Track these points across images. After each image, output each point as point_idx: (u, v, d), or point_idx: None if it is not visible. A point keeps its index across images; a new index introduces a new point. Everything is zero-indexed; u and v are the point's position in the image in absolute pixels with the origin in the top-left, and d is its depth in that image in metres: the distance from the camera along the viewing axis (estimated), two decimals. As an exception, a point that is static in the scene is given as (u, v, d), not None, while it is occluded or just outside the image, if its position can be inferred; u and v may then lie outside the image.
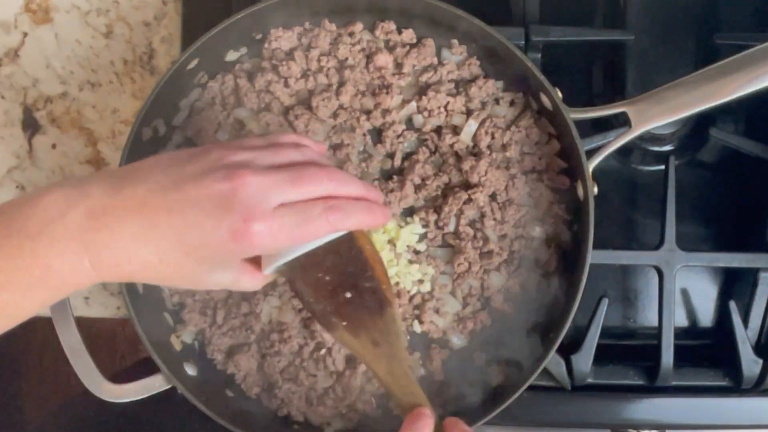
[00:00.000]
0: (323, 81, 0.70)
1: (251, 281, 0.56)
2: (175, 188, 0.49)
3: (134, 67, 0.80)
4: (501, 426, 0.67)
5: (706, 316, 0.74)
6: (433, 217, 0.68)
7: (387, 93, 0.69)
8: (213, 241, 0.48)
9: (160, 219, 0.48)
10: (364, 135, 0.70)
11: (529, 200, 0.68)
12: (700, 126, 0.73)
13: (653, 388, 0.68)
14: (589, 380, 0.68)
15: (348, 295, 0.56)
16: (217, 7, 0.75)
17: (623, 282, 0.75)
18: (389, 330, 0.56)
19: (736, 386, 0.68)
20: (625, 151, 0.74)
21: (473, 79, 0.69)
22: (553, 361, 0.67)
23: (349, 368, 0.67)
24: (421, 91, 0.70)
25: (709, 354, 0.72)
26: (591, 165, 0.63)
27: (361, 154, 0.70)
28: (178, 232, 0.48)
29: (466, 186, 0.68)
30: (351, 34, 0.70)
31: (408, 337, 0.68)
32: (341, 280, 0.56)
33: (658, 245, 0.67)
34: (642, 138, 0.69)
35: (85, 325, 0.65)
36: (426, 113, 0.69)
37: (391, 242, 0.68)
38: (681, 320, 0.74)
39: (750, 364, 0.67)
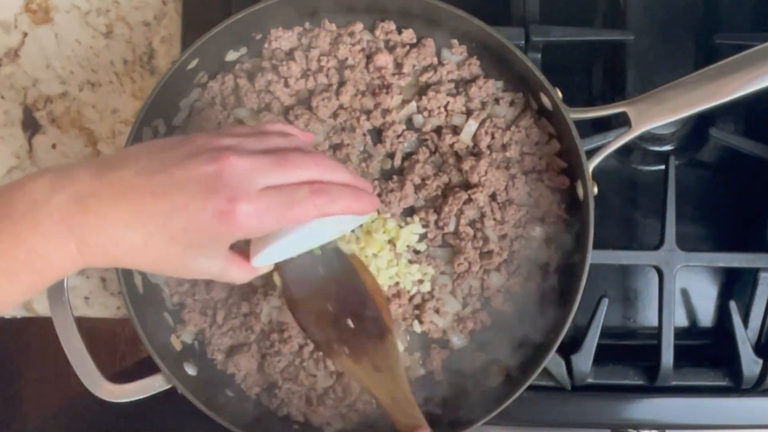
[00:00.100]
0: (323, 81, 0.70)
1: (239, 272, 0.55)
2: (161, 171, 0.49)
3: (134, 67, 0.80)
4: (501, 426, 0.67)
5: (706, 316, 0.74)
6: (433, 217, 0.68)
7: (387, 93, 0.69)
8: (198, 223, 0.48)
9: (146, 201, 0.48)
10: (364, 135, 0.70)
11: (529, 200, 0.68)
12: (700, 126, 0.73)
13: (653, 388, 0.69)
14: (589, 380, 0.68)
15: (350, 323, 0.56)
16: (217, 7, 0.75)
17: (623, 282, 0.75)
18: (390, 355, 0.56)
19: (736, 386, 0.68)
20: (625, 151, 0.74)
21: (473, 79, 0.69)
22: (553, 361, 0.67)
23: (349, 368, 0.67)
24: (421, 91, 0.70)
25: (709, 354, 0.72)
26: (591, 165, 0.63)
27: (361, 154, 0.70)
28: (163, 214, 0.48)
29: (466, 186, 0.68)
30: (351, 34, 0.70)
31: (408, 337, 0.68)
32: (343, 308, 0.57)
33: (658, 245, 0.67)
34: (642, 138, 0.69)
35: (85, 325, 0.65)
36: (426, 113, 0.69)
37: (391, 242, 0.68)
38: (681, 320, 0.74)
39: (750, 364, 0.67)
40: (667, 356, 0.66)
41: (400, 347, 0.68)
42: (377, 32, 0.70)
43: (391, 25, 0.70)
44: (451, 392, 0.67)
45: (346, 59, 0.70)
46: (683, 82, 0.63)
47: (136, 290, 0.65)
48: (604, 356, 0.68)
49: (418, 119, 0.70)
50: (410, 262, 0.68)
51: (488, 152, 0.68)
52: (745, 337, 0.67)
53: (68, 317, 0.64)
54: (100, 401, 0.63)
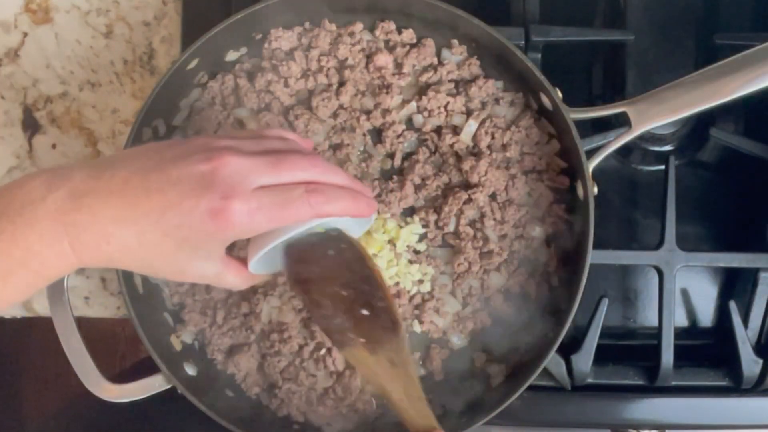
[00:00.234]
0: (323, 81, 0.70)
1: (236, 277, 0.55)
2: (156, 170, 0.49)
3: (134, 67, 0.80)
4: (501, 426, 0.67)
5: (706, 316, 0.74)
6: (433, 217, 0.68)
7: (387, 93, 0.69)
8: (192, 220, 0.48)
9: (140, 198, 0.48)
10: (364, 135, 0.70)
11: (529, 200, 0.68)
12: (700, 126, 0.73)
13: (653, 388, 0.69)
14: (589, 380, 0.68)
15: (364, 311, 0.55)
16: (217, 7, 0.75)
17: (623, 282, 0.75)
18: (403, 350, 0.55)
19: (736, 386, 0.68)
20: (625, 151, 0.74)
21: (473, 79, 0.69)
22: (553, 361, 0.67)
23: (349, 368, 0.67)
24: (421, 91, 0.70)
25: (709, 354, 0.72)
26: (591, 165, 0.63)
27: (361, 154, 0.70)
28: (157, 211, 0.48)
29: (466, 186, 0.68)
30: (351, 34, 0.70)
31: (408, 337, 0.68)
32: (357, 296, 0.55)
33: (658, 245, 0.67)
34: (642, 138, 0.69)
35: (85, 325, 0.66)
36: (426, 113, 0.69)
37: (391, 242, 0.68)
38: (681, 320, 0.74)
39: (750, 364, 0.67)
40: (667, 356, 0.66)
41: None
42: (377, 32, 0.70)
43: (391, 25, 0.70)
44: (452, 392, 0.67)
45: (346, 59, 0.70)
46: (683, 82, 0.63)
47: (136, 290, 0.65)
48: (604, 356, 0.68)
49: (418, 119, 0.70)
50: (410, 262, 0.68)
51: (488, 152, 0.68)
52: (745, 337, 0.67)
53: (68, 317, 0.64)
54: (100, 401, 0.63)
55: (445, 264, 0.68)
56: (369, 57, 0.70)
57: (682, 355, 0.67)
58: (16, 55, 0.80)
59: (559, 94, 0.64)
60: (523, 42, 0.68)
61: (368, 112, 0.70)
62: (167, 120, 0.69)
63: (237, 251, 0.65)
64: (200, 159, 0.49)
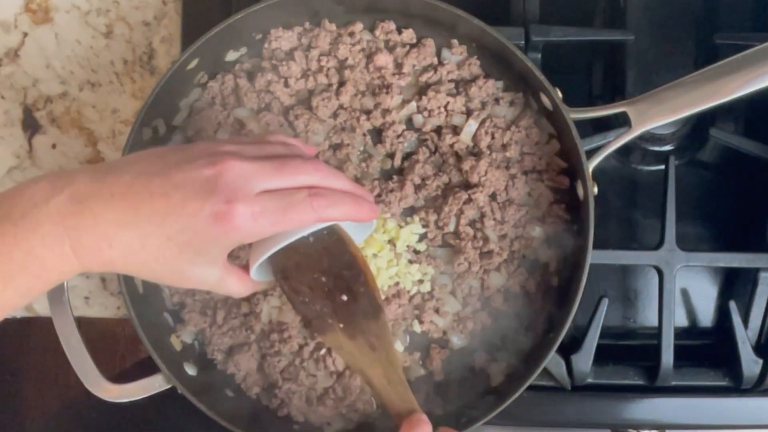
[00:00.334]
0: (323, 81, 0.70)
1: (237, 284, 0.55)
2: (159, 174, 0.49)
3: (134, 67, 0.80)
4: (501, 426, 0.67)
5: (706, 316, 0.74)
6: (433, 217, 0.68)
7: (387, 93, 0.69)
8: (195, 224, 0.48)
9: (143, 202, 0.48)
10: (364, 135, 0.70)
11: (529, 200, 0.68)
12: (700, 126, 0.73)
13: (653, 388, 0.68)
14: (589, 380, 0.68)
15: (344, 297, 0.56)
16: (217, 7, 0.75)
17: (623, 282, 0.75)
18: (384, 335, 0.56)
19: (736, 386, 0.68)
20: (625, 151, 0.74)
21: (473, 79, 0.69)
22: (553, 361, 0.67)
23: (349, 368, 0.67)
24: (421, 91, 0.70)
25: (709, 354, 0.72)
26: (591, 165, 0.63)
27: (361, 154, 0.70)
28: (160, 215, 0.48)
29: (466, 186, 0.68)
30: (351, 34, 0.70)
31: (408, 337, 0.68)
32: (336, 282, 0.56)
33: (658, 245, 0.67)
34: (642, 138, 0.69)
35: (85, 325, 0.66)
36: (426, 113, 0.69)
37: (391, 242, 0.68)
38: (681, 320, 0.74)
39: (750, 364, 0.67)
40: (667, 356, 0.66)
41: (400, 347, 0.68)
42: (377, 32, 0.70)
43: (391, 25, 0.70)
44: (451, 392, 0.67)
45: (346, 59, 0.70)
46: (683, 82, 0.63)
47: (136, 290, 0.65)
48: (604, 356, 0.68)
49: (418, 119, 0.70)
50: (410, 262, 0.68)
51: (488, 152, 0.68)
52: (745, 337, 0.67)
53: (68, 317, 0.64)
54: (100, 401, 0.63)
55: (445, 264, 0.68)
56: (369, 57, 0.70)
57: (682, 355, 0.67)
58: (16, 55, 0.80)
59: (559, 94, 0.64)
60: (523, 42, 0.68)
61: (368, 112, 0.70)
62: (167, 120, 0.69)
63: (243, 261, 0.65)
64: (204, 163, 0.49)
